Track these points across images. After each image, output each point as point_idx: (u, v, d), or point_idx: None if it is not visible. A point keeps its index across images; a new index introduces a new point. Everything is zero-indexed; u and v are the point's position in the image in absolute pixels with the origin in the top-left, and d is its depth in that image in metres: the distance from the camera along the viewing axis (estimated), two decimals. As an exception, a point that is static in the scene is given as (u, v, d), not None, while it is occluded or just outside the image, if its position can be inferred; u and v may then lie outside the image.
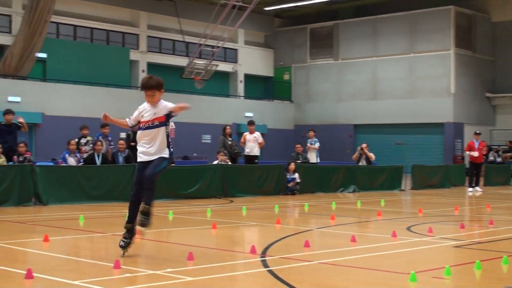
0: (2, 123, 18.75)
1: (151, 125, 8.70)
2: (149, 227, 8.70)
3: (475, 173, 25.40)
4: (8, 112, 18.88)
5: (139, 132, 8.81)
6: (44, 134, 31.64)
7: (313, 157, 24.83)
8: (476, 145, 25.37)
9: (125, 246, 8.80)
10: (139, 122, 8.84)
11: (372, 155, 25.54)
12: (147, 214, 8.59)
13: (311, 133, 25.29)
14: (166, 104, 8.83)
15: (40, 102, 31.73)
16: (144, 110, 8.83)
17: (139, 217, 8.65)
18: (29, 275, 7.09)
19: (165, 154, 8.72)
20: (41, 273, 7.42)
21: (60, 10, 34.93)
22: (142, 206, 8.63)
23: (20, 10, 34.07)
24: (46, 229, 11.65)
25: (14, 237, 10.88)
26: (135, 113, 8.93)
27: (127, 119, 9.00)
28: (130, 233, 8.83)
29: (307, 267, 8.26)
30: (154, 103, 8.80)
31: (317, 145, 24.91)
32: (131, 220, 8.83)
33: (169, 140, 8.81)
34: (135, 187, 8.79)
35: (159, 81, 9.05)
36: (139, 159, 8.79)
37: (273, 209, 16.37)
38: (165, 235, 11.78)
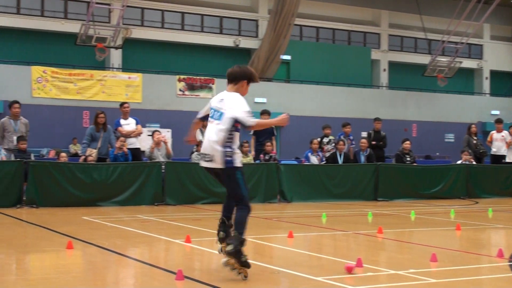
0: None
1: None
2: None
3: None
4: (263, 112, 19.49)
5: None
6: (288, 134, 32.64)
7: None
8: None
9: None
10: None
11: None
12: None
13: None
14: None
15: (284, 103, 32.76)
16: None
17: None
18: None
19: None
20: (285, 267, 7.64)
21: (303, 13, 35.84)
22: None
23: (266, 15, 35.48)
24: (290, 226, 12.00)
25: (261, 232, 11.33)
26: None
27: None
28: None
29: (561, 274, 7.72)
30: None
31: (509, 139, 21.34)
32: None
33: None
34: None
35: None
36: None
37: (522, 212, 15.54)
38: (407, 235, 11.63)
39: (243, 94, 7.40)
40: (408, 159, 19.99)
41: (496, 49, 42.99)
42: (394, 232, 11.62)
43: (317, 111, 33.31)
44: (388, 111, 34.45)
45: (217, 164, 7.14)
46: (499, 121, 21.78)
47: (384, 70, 39.13)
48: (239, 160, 7.19)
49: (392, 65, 39.49)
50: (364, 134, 23.03)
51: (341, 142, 19.33)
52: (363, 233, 11.19)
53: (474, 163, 20.47)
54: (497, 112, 38.15)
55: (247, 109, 7.17)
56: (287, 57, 35.21)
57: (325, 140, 20.19)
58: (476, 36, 39.90)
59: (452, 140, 37.37)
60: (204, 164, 7.29)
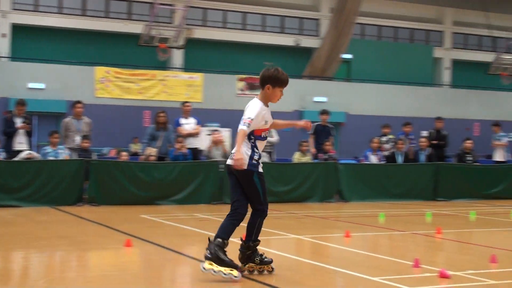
0: (318, 122, 19.32)
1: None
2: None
3: None
4: (323, 112, 19.44)
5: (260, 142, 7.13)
6: (348, 133, 32.45)
7: (500, 155, 21.04)
8: None
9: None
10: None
11: None
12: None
13: (496, 128, 21.38)
14: None
15: (344, 102, 32.57)
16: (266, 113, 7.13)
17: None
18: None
19: None
20: (342, 267, 7.63)
21: (365, 11, 35.56)
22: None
23: (327, 14, 35.36)
24: (347, 225, 11.95)
25: (317, 232, 11.32)
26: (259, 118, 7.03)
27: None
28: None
29: None
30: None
31: (504, 140, 21.23)
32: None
33: None
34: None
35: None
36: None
37: None
38: (466, 236, 11.46)
39: (271, 99, 7.14)
40: (470, 158, 19.67)
41: None
42: (453, 232, 11.46)
43: (378, 110, 32.99)
44: (449, 110, 33.85)
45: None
46: None
47: (447, 68, 38.56)
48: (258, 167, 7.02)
49: (456, 63, 38.89)
50: (425, 133, 22.73)
51: (400, 141, 19.15)
52: (421, 233, 11.06)
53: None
54: None
55: (249, 115, 6.89)
56: (348, 56, 35.03)
57: (384, 139, 20.04)
58: (543, 33, 38.98)
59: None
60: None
